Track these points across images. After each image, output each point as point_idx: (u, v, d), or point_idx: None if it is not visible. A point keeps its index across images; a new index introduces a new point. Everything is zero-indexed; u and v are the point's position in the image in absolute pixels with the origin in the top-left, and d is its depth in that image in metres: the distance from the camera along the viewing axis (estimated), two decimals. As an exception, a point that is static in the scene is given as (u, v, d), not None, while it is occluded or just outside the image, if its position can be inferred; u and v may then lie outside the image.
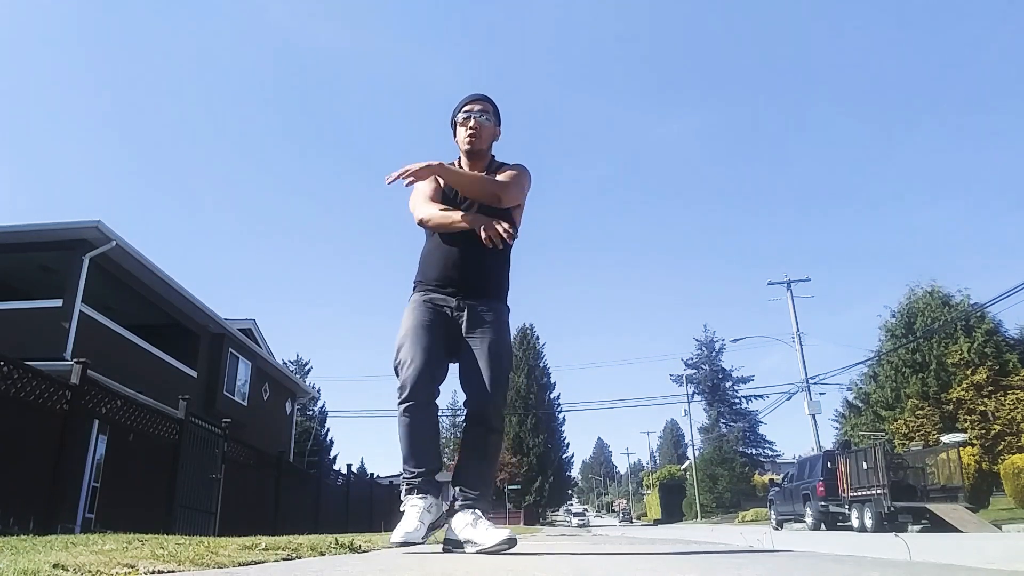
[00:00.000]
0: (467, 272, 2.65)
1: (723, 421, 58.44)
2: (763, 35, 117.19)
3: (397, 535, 2.44)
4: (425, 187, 2.73)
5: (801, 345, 28.19)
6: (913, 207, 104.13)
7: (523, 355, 54.24)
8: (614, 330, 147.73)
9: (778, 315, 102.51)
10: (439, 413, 2.65)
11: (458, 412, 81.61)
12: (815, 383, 27.77)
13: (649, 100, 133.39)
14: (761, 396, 54.21)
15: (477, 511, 2.47)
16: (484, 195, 2.67)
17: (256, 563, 2.12)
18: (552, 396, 59.45)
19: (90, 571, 1.71)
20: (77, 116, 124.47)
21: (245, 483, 10.05)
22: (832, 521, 17.70)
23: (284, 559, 2.30)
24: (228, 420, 10.41)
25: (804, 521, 19.34)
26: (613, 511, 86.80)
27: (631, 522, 59.88)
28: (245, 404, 18.53)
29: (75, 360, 6.55)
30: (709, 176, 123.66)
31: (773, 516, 22.16)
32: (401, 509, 2.53)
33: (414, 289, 2.73)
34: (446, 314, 2.62)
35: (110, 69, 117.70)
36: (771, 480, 34.30)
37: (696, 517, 43.54)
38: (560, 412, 59.06)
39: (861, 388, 30.06)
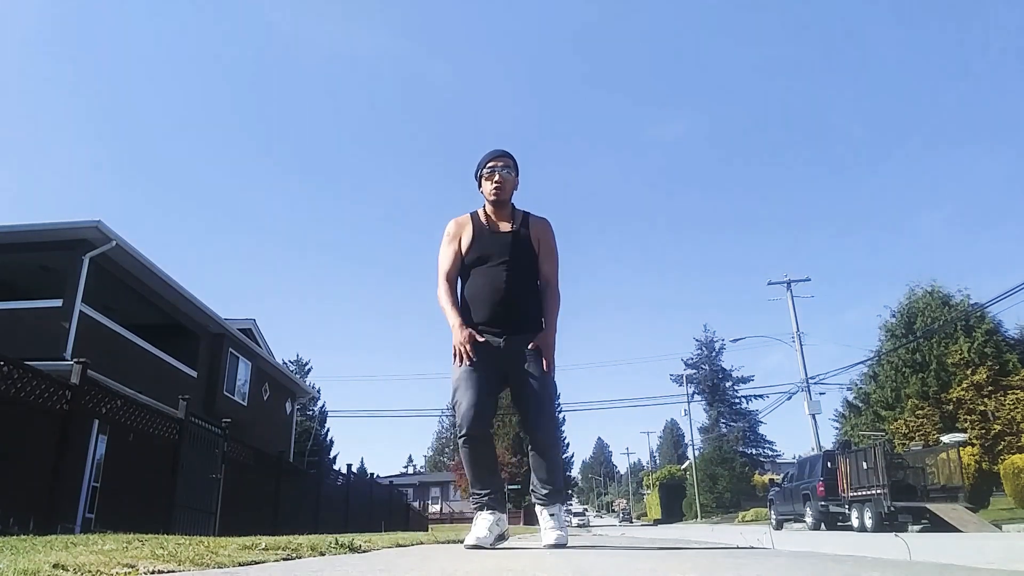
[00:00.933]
0: (508, 310, 3.03)
1: (723, 421, 58.46)
2: (762, 34, 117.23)
3: (470, 539, 2.85)
4: (443, 259, 3.16)
5: (801, 345, 28.21)
6: (913, 207, 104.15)
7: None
8: (614, 330, 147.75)
9: (778, 315, 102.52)
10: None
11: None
12: (815, 383, 27.79)
13: (649, 98, 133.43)
14: (761, 396, 54.26)
15: (548, 508, 2.99)
16: (552, 278, 3.21)
17: (256, 563, 2.12)
18: (552, 396, 59.38)
19: (90, 571, 1.71)
20: (77, 116, 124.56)
21: (245, 483, 10.04)
22: (832, 521, 17.70)
23: (284, 559, 2.30)
24: (228, 420, 10.40)
25: (804, 521, 19.33)
26: (613, 511, 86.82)
27: (631, 522, 59.88)
28: (245, 404, 18.53)
29: (75, 360, 6.55)
30: (709, 175, 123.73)
31: (773, 516, 22.15)
32: (474, 521, 2.98)
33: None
34: (493, 350, 3.00)
35: (110, 68, 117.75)
36: (771, 480, 34.32)
37: (696, 517, 43.54)
38: (560, 412, 59.05)
39: (861, 388, 30.03)
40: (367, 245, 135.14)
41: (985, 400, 23.35)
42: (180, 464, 7.97)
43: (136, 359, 13.80)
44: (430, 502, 51.66)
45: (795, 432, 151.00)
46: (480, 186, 3.22)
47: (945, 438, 19.03)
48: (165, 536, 3.62)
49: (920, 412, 24.87)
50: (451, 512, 52.70)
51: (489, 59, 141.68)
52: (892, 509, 15.10)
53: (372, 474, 39.30)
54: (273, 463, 11.69)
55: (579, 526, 48.95)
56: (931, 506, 15.20)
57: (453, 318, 3.02)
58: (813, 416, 26.39)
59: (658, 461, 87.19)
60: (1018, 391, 22.72)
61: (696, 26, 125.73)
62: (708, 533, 14.43)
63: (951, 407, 24.30)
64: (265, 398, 20.80)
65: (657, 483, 59.22)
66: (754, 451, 57.49)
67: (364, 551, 2.89)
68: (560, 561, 2.15)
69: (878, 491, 15.60)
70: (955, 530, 13.66)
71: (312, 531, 8.20)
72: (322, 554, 2.60)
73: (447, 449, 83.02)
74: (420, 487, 58.65)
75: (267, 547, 2.65)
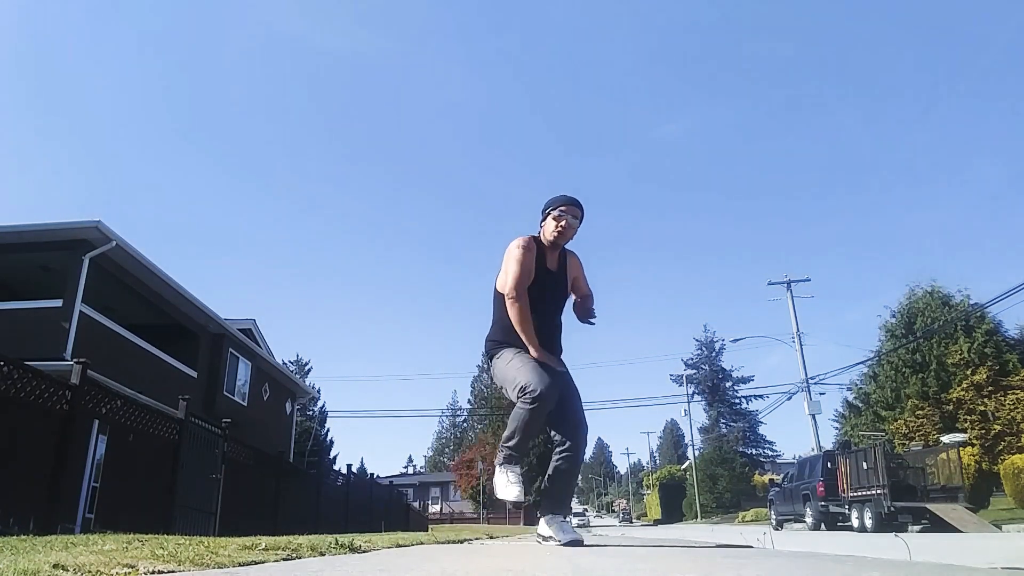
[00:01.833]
0: (553, 340, 3.47)
1: (723, 421, 58.43)
2: (762, 34, 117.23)
3: (515, 494, 3.21)
4: (522, 269, 3.32)
5: (801, 345, 28.20)
6: (914, 207, 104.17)
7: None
8: (614, 330, 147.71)
9: (778, 315, 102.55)
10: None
11: (457, 412, 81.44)
12: (815, 383, 27.77)
13: (649, 99, 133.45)
14: (761, 396, 54.18)
15: (558, 517, 3.30)
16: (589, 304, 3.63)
17: (256, 563, 2.12)
18: (552, 396, 59.33)
19: (90, 571, 1.71)
20: (77, 116, 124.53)
21: (245, 483, 10.04)
22: (832, 521, 17.70)
23: (284, 559, 2.30)
24: (228, 420, 10.40)
25: (804, 521, 19.33)
26: (613, 511, 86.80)
27: (631, 522, 59.87)
28: (245, 404, 18.53)
29: (75, 360, 6.54)
30: (709, 175, 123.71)
31: (773, 516, 22.15)
32: (500, 471, 3.28)
33: (503, 347, 3.39)
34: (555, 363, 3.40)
35: (110, 68, 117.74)
36: (771, 480, 34.30)
37: (696, 517, 43.52)
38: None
39: (861, 388, 30.03)
40: (368, 245, 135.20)
41: (985, 400, 23.34)
42: (180, 464, 7.96)
43: (136, 359, 13.80)
44: (430, 502, 51.69)
45: (795, 432, 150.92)
46: (543, 219, 3.44)
47: (945, 438, 19.03)
48: (165, 536, 3.62)
49: (920, 412, 24.87)
50: (451, 512, 52.73)
51: (488, 60, 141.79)
52: (892, 509, 15.10)
53: (372, 474, 39.33)
54: (273, 463, 11.68)
55: (579, 526, 48.96)
56: (931, 506, 15.20)
57: (535, 340, 3.29)
58: (813, 416, 26.38)
59: (658, 461, 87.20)
60: (1018, 391, 22.72)
61: (696, 25, 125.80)
62: (708, 533, 14.43)
63: (951, 407, 24.30)
64: (265, 398, 20.80)
65: (657, 483, 59.18)
66: (754, 451, 57.44)
67: (364, 551, 2.89)
68: (560, 561, 2.15)
69: (878, 491, 15.60)
70: (955, 530, 13.65)
71: (312, 531, 8.20)
72: (322, 554, 2.60)
73: (447, 449, 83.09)
74: (420, 487, 58.70)
75: (267, 547, 2.65)
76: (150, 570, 1.78)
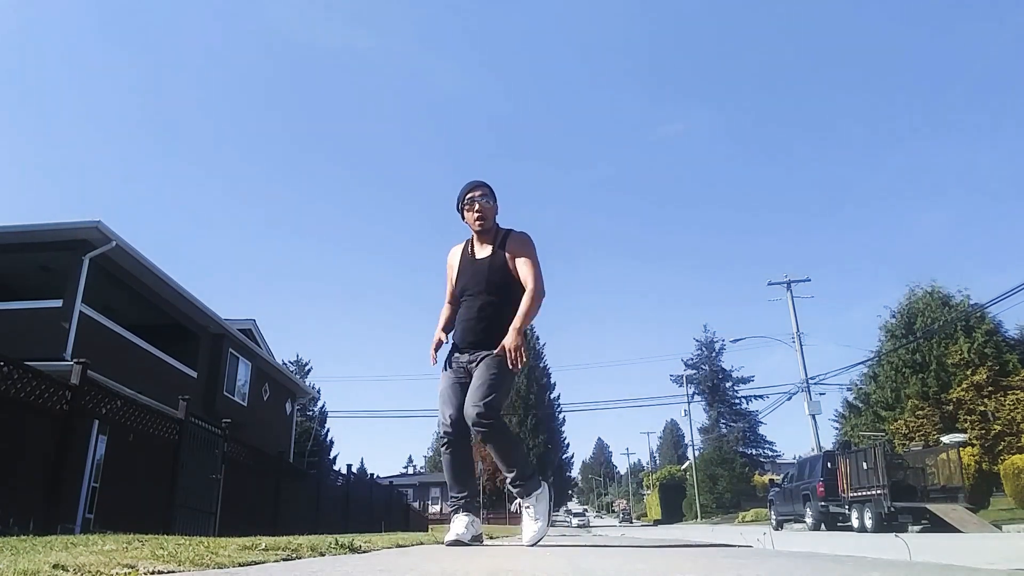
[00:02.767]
0: (472, 329, 3.32)
1: (723, 421, 58.47)
2: (759, 34, 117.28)
3: (451, 536, 3.11)
4: (448, 286, 3.53)
5: (801, 345, 28.19)
6: (914, 207, 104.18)
7: (523, 355, 54.29)
8: (614, 330, 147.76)
9: (778, 315, 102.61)
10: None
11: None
12: (815, 383, 27.77)
13: (649, 100, 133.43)
14: (761, 396, 54.22)
15: (524, 500, 3.15)
16: (538, 309, 3.34)
17: (256, 563, 2.12)
18: (552, 396, 59.47)
19: (90, 571, 1.71)
20: (77, 115, 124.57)
21: (245, 483, 10.04)
22: (832, 521, 17.70)
23: (284, 559, 2.30)
24: (228, 420, 10.40)
25: (804, 521, 19.33)
26: (613, 511, 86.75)
27: (631, 522, 59.86)
28: (245, 404, 18.53)
29: (75, 360, 6.54)
30: (709, 176, 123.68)
31: (773, 516, 22.15)
32: (453, 520, 3.20)
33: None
34: (460, 368, 3.31)
35: (109, 67, 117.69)
36: (771, 480, 34.28)
37: (696, 517, 43.52)
38: (560, 412, 59.12)
39: (861, 388, 30.05)
40: (368, 245, 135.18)
41: (985, 400, 23.36)
42: (180, 464, 7.96)
43: (136, 359, 13.80)
44: (430, 502, 51.69)
45: (795, 432, 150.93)
46: (463, 217, 3.46)
47: (945, 438, 19.05)
48: (165, 536, 3.62)
49: (920, 412, 24.88)
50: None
51: (491, 59, 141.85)
52: (892, 509, 15.11)
53: (372, 474, 39.28)
54: (273, 463, 11.68)
55: (579, 526, 48.98)
56: (931, 506, 15.21)
57: (435, 334, 3.43)
58: (813, 416, 26.37)
59: (658, 461, 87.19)
60: (1018, 391, 22.73)
61: (695, 25, 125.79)
62: (708, 534, 14.43)
63: (951, 407, 24.32)
64: (265, 398, 20.80)
65: (657, 483, 59.19)
66: (754, 451, 57.49)
67: (364, 551, 2.89)
68: (560, 561, 2.15)
69: (878, 491, 15.60)
70: (955, 530, 13.66)
71: (312, 531, 8.20)
72: (322, 554, 2.60)
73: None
74: (420, 487, 58.67)
75: (267, 547, 2.65)
76: (150, 570, 1.78)
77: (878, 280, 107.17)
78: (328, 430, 46.54)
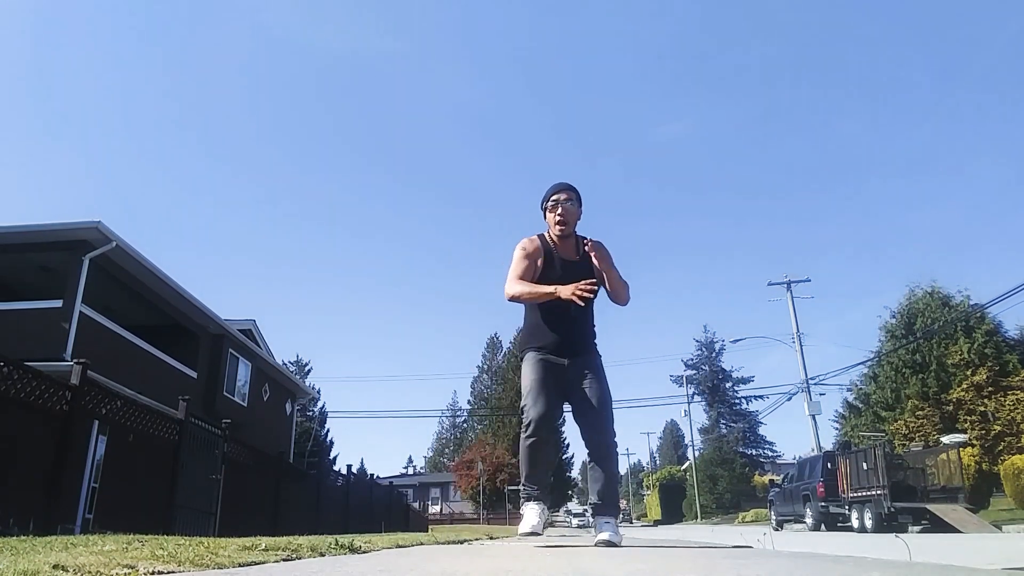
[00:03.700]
0: (571, 337, 3.34)
1: (723, 422, 58.41)
2: (761, 32, 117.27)
3: (525, 527, 3.21)
4: (516, 268, 3.35)
5: (801, 346, 28.18)
6: (914, 207, 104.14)
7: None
8: (614, 330, 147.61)
9: (778, 315, 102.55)
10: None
11: (457, 412, 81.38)
12: (815, 384, 27.74)
13: (649, 99, 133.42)
14: (761, 397, 54.09)
15: (606, 518, 3.29)
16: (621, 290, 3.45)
17: (256, 563, 2.12)
18: (552, 396, 59.22)
19: (90, 572, 1.71)
20: (77, 115, 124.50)
21: (245, 483, 10.04)
22: (832, 522, 17.69)
23: (284, 559, 2.30)
24: (228, 420, 10.40)
25: (804, 522, 19.32)
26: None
27: (631, 523, 59.82)
28: (245, 405, 18.53)
29: (75, 361, 6.55)
30: (709, 176, 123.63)
31: (773, 517, 22.14)
32: (522, 511, 3.33)
33: (527, 350, 3.40)
34: (558, 368, 3.30)
35: (110, 67, 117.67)
36: (771, 481, 34.25)
37: (696, 518, 43.50)
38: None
39: (861, 389, 30.02)
40: (368, 245, 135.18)
41: (985, 401, 23.36)
42: (180, 465, 7.97)
43: (136, 360, 13.80)
44: (430, 503, 51.69)
45: (795, 433, 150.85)
46: (545, 216, 3.46)
47: (945, 439, 19.03)
48: (165, 537, 3.62)
49: (920, 413, 24.88)
50: (451, 513, 52.73)
51: (492, 59, 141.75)
52: (892, 510, 15.10)
53: (372, 475, 39.24)
54: (273, 464, 11.69)
55: (579, 527, 48.94)
56: (931, 507, 15.20)
57: (544, 288, 3.23)
58: (813, 417, 26.37)
59: (658, 462, 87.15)
60: (1018, 392, 22.73)
61: (695, 26, 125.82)
62: (708, 534, 14.42)
63: (951, 408, 24.32)
64: (265, 399, 20.80)
65: (657, 484, 59.15)
66: (754, 452, 57.42)
67: (364, 552, 2.89)
68: (560, 561, 2.15)
69: (878, 492, 15.59)
70: (955, 531, 13.66)
71: (312, 532, 8.20)
72: (322, 555, 2.60)
73: (447, 450, 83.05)
74: (420, 488, 58.67)
75: (267, 548, 2.65)
76: (150, 570, 1.78)
77: (878, 280, 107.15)
78: (328, 430, 46.60)
